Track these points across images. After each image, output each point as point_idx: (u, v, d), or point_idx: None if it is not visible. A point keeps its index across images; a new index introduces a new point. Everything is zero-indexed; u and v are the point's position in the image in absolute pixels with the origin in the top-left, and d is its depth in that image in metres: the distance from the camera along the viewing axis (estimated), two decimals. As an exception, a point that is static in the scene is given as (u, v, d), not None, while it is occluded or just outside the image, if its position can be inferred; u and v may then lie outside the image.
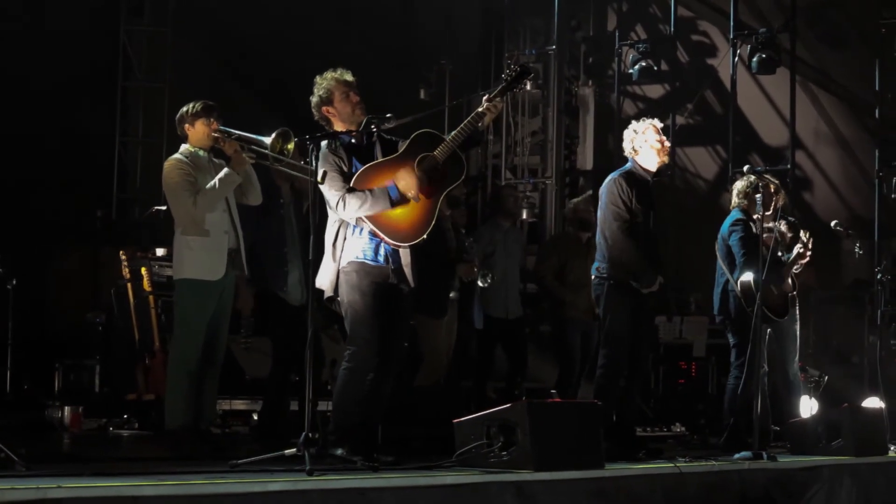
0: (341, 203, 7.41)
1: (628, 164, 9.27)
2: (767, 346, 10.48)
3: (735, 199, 10.48)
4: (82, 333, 12.46)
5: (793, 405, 10.76)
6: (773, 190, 10.09)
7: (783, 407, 10.84)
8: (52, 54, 13.28)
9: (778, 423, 10.67)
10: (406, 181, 7.42)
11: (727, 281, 10.20)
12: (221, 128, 8.62)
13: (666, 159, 9.37)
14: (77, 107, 13.63)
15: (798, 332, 10.80)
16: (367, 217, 7.44)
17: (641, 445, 9.19)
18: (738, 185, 10.57)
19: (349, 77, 7.77)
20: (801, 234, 10.44)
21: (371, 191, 7.40)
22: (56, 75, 13.27)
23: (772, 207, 9.70)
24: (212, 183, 8.52)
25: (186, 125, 8.74)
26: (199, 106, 8.71)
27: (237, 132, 8.54)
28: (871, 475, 8.92)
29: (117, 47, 14.80)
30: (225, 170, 8.57)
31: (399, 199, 7.41)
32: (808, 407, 10.92)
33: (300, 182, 8.85)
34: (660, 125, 9.31)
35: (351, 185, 7.43)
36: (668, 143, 9.33)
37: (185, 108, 8.75)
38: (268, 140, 8.04)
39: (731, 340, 10.25)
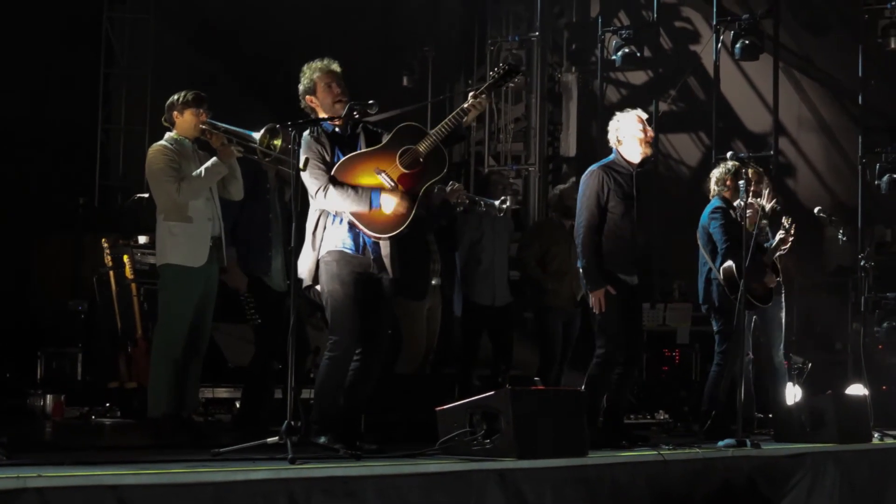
0: (322, 193, 7.42)
1: (611, 156, 9.18)
2: (752, 332, 10.50)
3: (714, 188, 10.46)
4: (64, 321, 12.40)
5: (777, 392, 10.78)
6: (755, 176, 10.09)
7: (767, 394, 10.86)
8: (34, 41, 13.22)
9: (762, 410, 10.68)
10: (388, 199, 7.39)
11: (710, 269, 10.19)
12: (210, 121, 8.60)
13: (649, 151, 9.15)
14: (59, 94, 13.59)
15: (783, 320, 10.82)
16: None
17: (625, 433, 9.17)
18: (715, 173, 10.56)
19: (335, 67, 7.75)
20: (784, 220, 10.44)
21: (356, 189, 7.40)
22: (38, 62, 13.22)
23: (752, 192, 9.62)
24: (198, 171, 8.50)
25: (175, 113, 8.71)
26: (190, 95, 8.69)
27: (224, 125, 8.52)
28: (854, 462, 8.92)
29: (100, 34, 14.75)
30: (213, 159, 8.54)
31: (379, 208, 7.40)
32: (791, 394, 10.93)
33: (284, 171, 8.83)
34: (644, 116, 9.14)
35: (333, 174, 7.43)
36: (651, 134, 9.15)
37: (175, 96, 8.73)
38: (256, 135, 8.03)
39: (715, 327, 10.22)
